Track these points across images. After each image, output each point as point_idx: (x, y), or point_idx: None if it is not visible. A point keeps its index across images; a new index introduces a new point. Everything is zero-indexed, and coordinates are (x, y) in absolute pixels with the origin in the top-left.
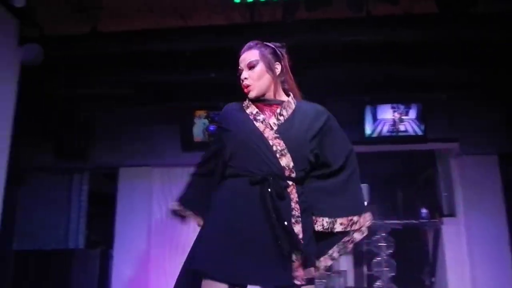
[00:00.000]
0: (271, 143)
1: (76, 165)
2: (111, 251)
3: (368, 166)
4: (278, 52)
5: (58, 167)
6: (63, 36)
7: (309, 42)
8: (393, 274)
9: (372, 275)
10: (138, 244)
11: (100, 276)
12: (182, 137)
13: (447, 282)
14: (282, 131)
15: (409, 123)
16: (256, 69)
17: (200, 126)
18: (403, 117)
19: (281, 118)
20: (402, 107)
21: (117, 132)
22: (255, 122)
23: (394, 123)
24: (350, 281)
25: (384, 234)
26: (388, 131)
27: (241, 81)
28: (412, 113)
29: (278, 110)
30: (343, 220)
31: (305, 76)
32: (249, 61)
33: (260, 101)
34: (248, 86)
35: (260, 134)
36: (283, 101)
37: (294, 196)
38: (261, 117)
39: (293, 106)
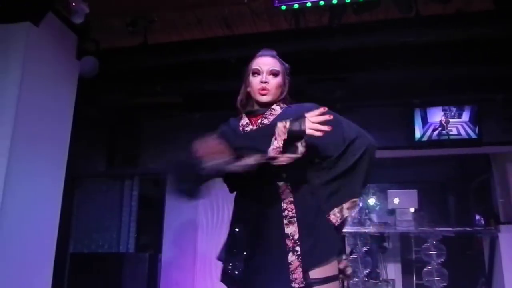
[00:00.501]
0: None
1: (127, 171)
2: (160, 255)
3: (417, 171)
4: (288, 73)
5: (110, 173)
6: (116, 49)
7: (356, 46)
8: (445, 284)
9: (422, 284)
10: (185, 249)
11: (149, 279)
12: None
13: None
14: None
15: (462, 126)
16: (278, 79)
17: None
18: (450, 119)
19: (261, 126)
20: (454, 109)
21: (164, 140)
22: (243, 133)
23: (444, 126)
24: None
25: (435, 242)
26: (438, 135)
27: (259, 82)
28: (466, 116)
29: (260, 120)
30: (348, 204)
31: (353, 80)
32: (273, 68)
33: (251, 112)
34: (266, 89)
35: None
36: (268, 110)
37: (286, 196)
38: (249, 127)
39: (277, 111)
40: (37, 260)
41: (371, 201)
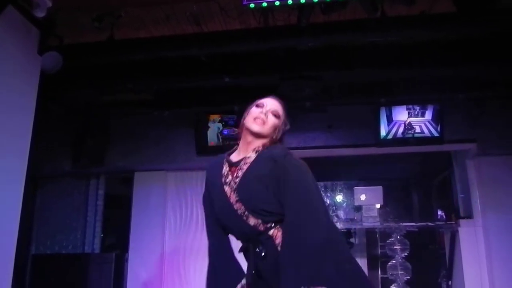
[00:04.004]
0: (235, 208)
1: (93, 169)
2: (127, 255)
3: (383, 168)
4: (286, 128)
5: (75, 172)
6: (82, 45)
7: (324, 45)
8: (408, 277)
9: (387, 278)
10: (153, 248)
11: (115, 280)
12: (197, 142)
13: (464, 286)
14: (240, 192)
15: (425, 124)
16: (276, 121)
17: (214, 130)
18: (414, 118)
19: (237, 179)
20: (417, 108)
21: (132, 137)
22: (224, 186)
23: (409, 125)
24: None
25: (399, 237)
26: (403, 133)
27: (260, 112)
28: (428, 114)
29: (235, 173)
30: None
31: (321, 78)
32: (277, 110)
33: (232, 164)
34: (264, 122)
35: (227, 201)
36: (243, 158)
37: (274, 243)
38: (228, 178)
39: (252, 158)
40: None
41: (339, 198)
